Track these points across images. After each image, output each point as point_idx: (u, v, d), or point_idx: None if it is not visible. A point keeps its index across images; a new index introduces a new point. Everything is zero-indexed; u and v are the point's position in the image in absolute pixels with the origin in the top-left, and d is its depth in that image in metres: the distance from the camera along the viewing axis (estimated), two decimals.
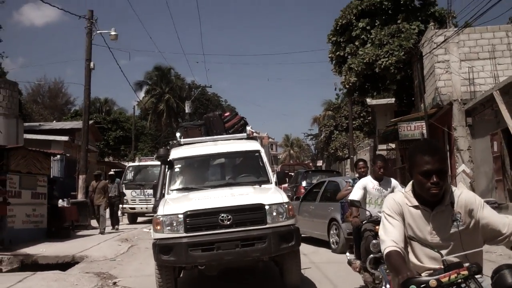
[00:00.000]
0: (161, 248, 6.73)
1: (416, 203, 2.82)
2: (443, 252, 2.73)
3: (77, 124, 27.59)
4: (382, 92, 25.73)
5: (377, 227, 5.71)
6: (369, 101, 31.13)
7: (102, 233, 15.76)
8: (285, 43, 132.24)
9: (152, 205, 17.45)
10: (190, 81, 59.63)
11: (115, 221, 17.54)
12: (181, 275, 7.97)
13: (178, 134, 9.55)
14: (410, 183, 2.92)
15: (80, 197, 18.32)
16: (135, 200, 20.51)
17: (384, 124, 25.60)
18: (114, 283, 8.36)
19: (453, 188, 2.87)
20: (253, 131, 9.17)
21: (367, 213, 6.51)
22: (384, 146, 28.98)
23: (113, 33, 19.47)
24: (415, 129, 18.91)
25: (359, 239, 6.70)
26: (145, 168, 21.46)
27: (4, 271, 10.10)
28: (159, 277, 7.00)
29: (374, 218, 6.33)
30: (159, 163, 18.04)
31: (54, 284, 8.00)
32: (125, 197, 19.48)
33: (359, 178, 7.29)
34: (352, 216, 6.78)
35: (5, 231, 12.41)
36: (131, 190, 20.37)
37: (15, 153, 13.39)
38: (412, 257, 2.85)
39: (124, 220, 20.22)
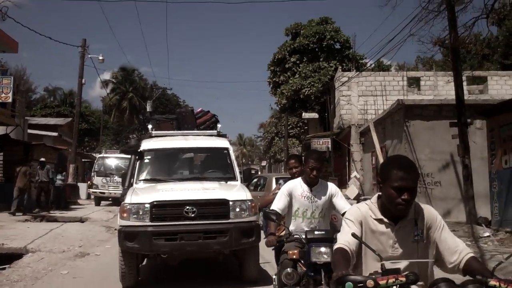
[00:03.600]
0: (126, 235, 6.86)
1: (381, 216, 2.76)
2: (402, 263, 2.69)
3: (58, 120, 33.13)
4: (309, 111, 32.21)
5: (294, 251, 4.46)
6: (303, 115, 37.67)
7: (12, 214, 16.19)
8: (234, 70, 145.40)
9: (119, 191, 21.81)
10: (152, 82, 63.42)
11: (49, 205, 19.28)
12: (144, 263, 8.11)
13: (149, 126, 9.69)
14: (376, 195, 2.87)
15: (70, 180, 23.69)
16: (104, 185, 23.55)
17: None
18: (115, 229, 14.15)
19: (416, 203, 2.79)
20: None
21: (291, 229, 4.84)
22: None
23: (100, 58, 25.35)
24: (323, 144, 25.43)
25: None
26: (112, 159, 24.79)
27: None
28: (122, 263, 7.07)
29: (294, 238, 4.64)
30: (124, 155, 22.28)
31: (79, 227, 13.98)
32: (95, 183, 23.34)
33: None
34: (268, 233, 5.01)
35: (28, 202, 18.20)
36: (101, 177, 23.50)
37: (36, 147, 19.23)
38: (365, 270, 2.76)
39: (91, 202, 24.01)
